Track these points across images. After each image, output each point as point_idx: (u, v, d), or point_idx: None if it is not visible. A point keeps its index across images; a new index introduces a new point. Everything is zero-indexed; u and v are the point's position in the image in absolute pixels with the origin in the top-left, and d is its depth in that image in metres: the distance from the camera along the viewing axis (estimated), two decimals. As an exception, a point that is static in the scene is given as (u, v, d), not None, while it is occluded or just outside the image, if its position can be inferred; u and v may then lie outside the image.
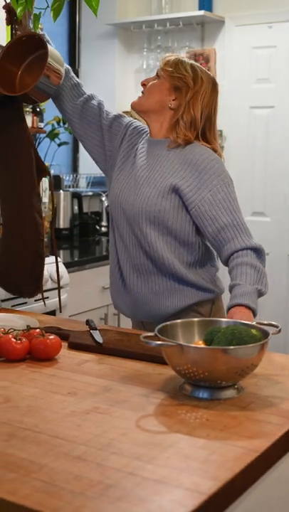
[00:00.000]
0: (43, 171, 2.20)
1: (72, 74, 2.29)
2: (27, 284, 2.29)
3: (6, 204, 2.26)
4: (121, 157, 2.23)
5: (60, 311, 2.48)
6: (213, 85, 2.13)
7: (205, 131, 2.12)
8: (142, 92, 2.15)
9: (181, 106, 2.09)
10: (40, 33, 2.16)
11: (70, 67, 2.28)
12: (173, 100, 2.09)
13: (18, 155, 2.19)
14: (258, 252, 2.00)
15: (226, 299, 2.13)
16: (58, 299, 3.23)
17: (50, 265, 3.25)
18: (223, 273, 2.17)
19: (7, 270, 2.29)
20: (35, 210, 2.22)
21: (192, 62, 2.13)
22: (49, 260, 3.30)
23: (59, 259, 3.34)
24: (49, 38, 2.17)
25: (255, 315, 1.91)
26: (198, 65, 2.14)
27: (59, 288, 2.40)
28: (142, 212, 2.06)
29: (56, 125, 4.37)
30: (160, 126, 2.14)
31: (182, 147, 2.08)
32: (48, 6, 1.99)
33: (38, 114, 3.90)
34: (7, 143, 2.19)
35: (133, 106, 2.16)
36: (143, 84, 2.16)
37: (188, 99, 2.08)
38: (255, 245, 1.99)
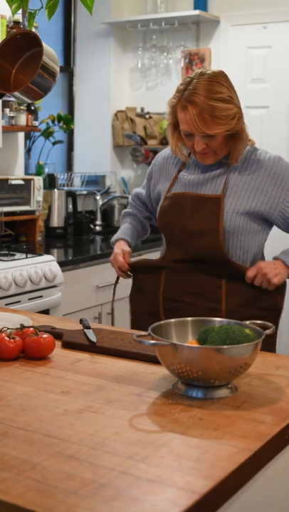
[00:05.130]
0: None
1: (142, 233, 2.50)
2: None
3: None
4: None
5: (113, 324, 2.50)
6: (228, 79, 2.08)
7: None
8: (203, 152, 2.08)
9: (241, 132, 2.08)
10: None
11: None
12: (234, 135, 2.08)
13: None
14: None
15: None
16: (51, 298, 3.24)
17: (44, 264, 3.26)
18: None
19: None
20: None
21: (208, 79, 2.02)
22: (43, 259, 3.30)
23: (53, 257, 3.35)
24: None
25: None
26: (211, 74, 2.04)
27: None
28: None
29: (51, 124, 4.37)
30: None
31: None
32: (42, 7, 1.98)
33: (33, 113, 3.89)
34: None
35: (208, 163, 2.12)
36: (203, 150, 2.07)
37: (242, 122, 2.08)
38: None
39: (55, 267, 3.29)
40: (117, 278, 2.39)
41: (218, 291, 2.10)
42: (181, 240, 2.15)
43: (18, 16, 2.21)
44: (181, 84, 2.08)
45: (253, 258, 2.16)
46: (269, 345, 2.08)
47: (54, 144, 4.42)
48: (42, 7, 1.99)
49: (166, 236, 2.22)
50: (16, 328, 1.73)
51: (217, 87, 2.02)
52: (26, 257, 3.26)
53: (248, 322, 1.55)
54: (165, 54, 4.65)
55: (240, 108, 2.07)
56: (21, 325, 1.75)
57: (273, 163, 2.13)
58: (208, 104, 1.99)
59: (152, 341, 1.42)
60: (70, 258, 3.59)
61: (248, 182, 2.11)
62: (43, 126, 4.28)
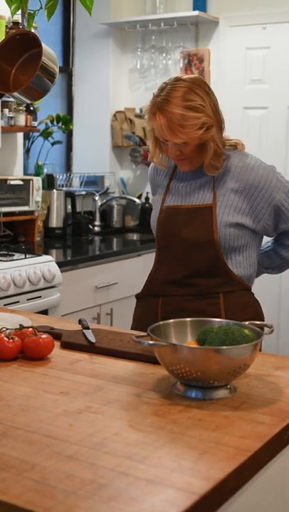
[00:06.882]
0: None
1: None
2: None
3: None
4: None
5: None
6: (206, 86, 2.03)
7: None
8: (178, 159, 2.05)
9: (209, 143, 2.01)
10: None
11: None
12: (208, 142, 2.02)
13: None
14: None
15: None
16: (50, 298, 3.24)
17: (43, 264, 3.26)
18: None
19: None
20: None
21: (182, 86, 1.96)
22: (41, 259, 3.30)
23: (52, 258, 3.35)
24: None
25: None
26: (187, 81, 1.98)
27: None
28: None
29: (50, 124, 4.37)
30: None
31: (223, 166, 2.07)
32: (41, 7, 1.98)
33: (32, 113, 3.89)
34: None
35: (185, 170, 2.09)
36: (178, 157, 2.03)
37: (215, 130, 2.00)
38: None
39: (54, 268, 3.29)
40: None
41: (217, 307, 2.10)
42: (179, 253, 2.11)
43: (18, 17, 2.21)
44: (157, 90, 2.03)
45: (252, 255, 2.14)
46: None
47: (53, 144, 4.41)
48: (41, 7, 1.99)
49: (163, 250, 2.17)
50: (15, 329, 1.73)
51: (189, 94, 1.95)
52: (25, 258, 3.26)
53: (247, 323, 1.55)
54: (164, 55, 4.65)
55: (212, 118, 1.99)
56: (20, 325, 1.75)
57: (262, 175, 2.05)
58: (176, 112, 1.93)
59: (151, 342, 1.42)
60: (68, 258, 3.59)
61: (234, 191, 2.06)
62: (42, 127, 4.28)
